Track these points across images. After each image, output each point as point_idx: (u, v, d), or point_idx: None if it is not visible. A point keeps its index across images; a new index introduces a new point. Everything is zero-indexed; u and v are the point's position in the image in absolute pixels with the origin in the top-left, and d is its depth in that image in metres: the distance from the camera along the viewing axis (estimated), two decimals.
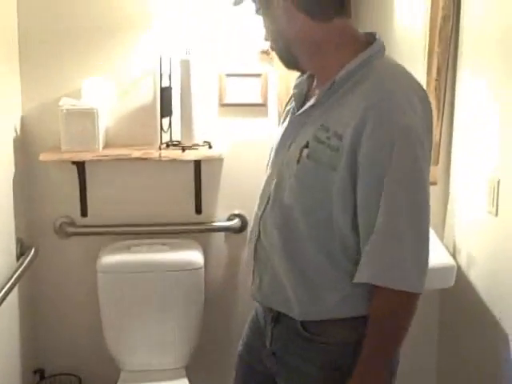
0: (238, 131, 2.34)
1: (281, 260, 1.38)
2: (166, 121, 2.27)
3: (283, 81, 2.27)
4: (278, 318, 1.45)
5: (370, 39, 1.34)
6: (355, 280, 1.29)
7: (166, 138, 2.28)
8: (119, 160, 2.23)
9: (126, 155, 2.21)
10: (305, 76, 1.44)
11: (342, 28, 1.33)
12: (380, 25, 2.45)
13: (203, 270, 2.26)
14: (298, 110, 1.40)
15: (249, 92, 2.28)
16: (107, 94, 2.25)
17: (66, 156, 2.19)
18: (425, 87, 2.30)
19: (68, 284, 2.40)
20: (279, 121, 1.59)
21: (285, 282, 1.39)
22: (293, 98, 1.46)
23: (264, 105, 2.32)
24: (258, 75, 2.29)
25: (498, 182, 1.96)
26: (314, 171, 1.29)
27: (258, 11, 1.39)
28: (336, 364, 1.38)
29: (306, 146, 1.31)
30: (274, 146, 1.46)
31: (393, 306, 1.29)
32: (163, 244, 2.28)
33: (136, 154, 2.22)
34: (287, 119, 1.46)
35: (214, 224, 2.39)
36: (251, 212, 2.42)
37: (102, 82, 2.24)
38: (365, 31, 1.38)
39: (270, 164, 1.46)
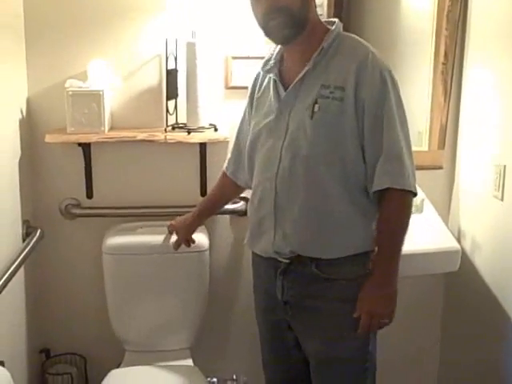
0: None
1: (305, 206, 1.63)
2: (171, 103, 2.27)
3: None
4: (286, 269, 1.69)
5: (329, 23, 1.68)
6: (376, 188, 1.59)
7: (171, 120, 2.27)
8: (125, 142, 2.23)
9: (131, 137, 2.21)
10: (271, 62, 1.72)
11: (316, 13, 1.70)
12: (387, 8, 2.43)
13: (208, 252, 2.27)
14: (284, 88, 1.66)
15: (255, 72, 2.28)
16: (113, 75, 2.24)
17: (72, 138, 2.19)
18: (432, 70, 2.32)
19: (74, 265, 2.41)
20: (249, 106, 1.83)
21: (310, 226, 1.64)
22: (262, 85, 1.76)
23: None
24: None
25: (505, 167, 1.95)
26: (327, 120, 1.59)
27: None
28: (347, 296, 1.64)
29: (316, 103, 1.59)
30: (268, 122, 1.69)
31: (403, 204, 1.61)
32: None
33: (141, 136, 2.21)
34: (271, 99, 1.70)
35: None
36: None
37: (107, 64, 2.23)
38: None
39: (264, 136, 1.70)
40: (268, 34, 1.65)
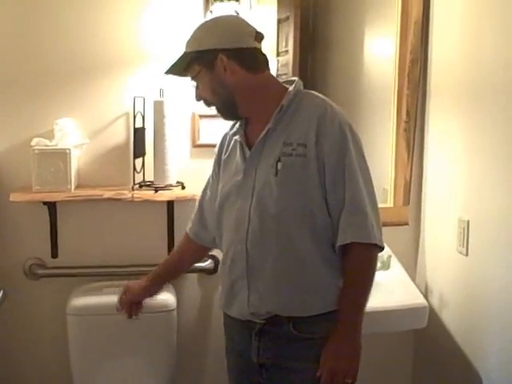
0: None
1: (277, 265, 1.60)
2: (139, 161, 2.27)
3: None
4: (261, 330, 1.64)
5: (290, 82, 1.69)
6: (339, 243, 1.58)
7: (138, 178, 2.27)
8: (91, 200, 2.22)
9: (98, 195, 2.20)
10: (237, 125, 1.74)
11: (270, 77, 1.72)
12: (350, 68, 2.50)
13: (176, 311, 2.24)
14: (249, 148, 1.67)
15: (222, 133, 2.30)
16: (80, 134, 2.25)
17: (38, 196, 2.17)
18: (394, 128, 2.37)
19: (37, 328, 2.35)
20: (216, 167, 1.81)
21: (284, 285, 1.60)
22: (229, 146, 1.76)
23: None
24: None
25: (468, 223, 1.98)
26: (291, 176, 1.59)
27: (194, 78, 1.68)
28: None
29: (279, 161, 1.60)
30: (236, 182, 1.68)
31: (368, 259, 1.61)
32: None
33: (108, 194, 2.20)
34: (237, 160, 1.70)
35: None
36: None
37: (74, 123, 2.23)
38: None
39: (233, 197, 1.69)
40: None
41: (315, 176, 1.58)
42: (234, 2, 2.19)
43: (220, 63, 1.63)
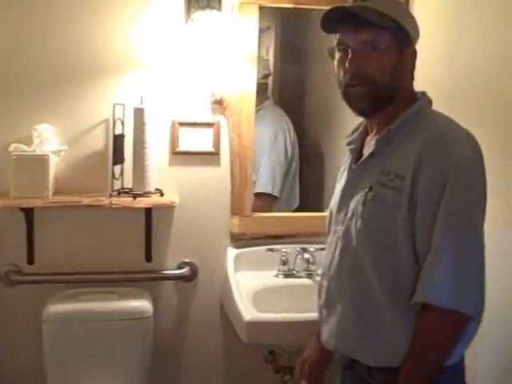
0: (191, 179, 2.35)
1: (349, 306, 1.44)
2: (118, 168, 2.27)
3: (235, 130, 2.31)
4: (347, 365, 1.49)
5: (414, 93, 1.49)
6: (413, 300, 1.33)
7: (117, 185, 2.27)
8: (69, 207, 2.20)
9: (76, 202, 2.19)
10: (357, 133, 1.55)
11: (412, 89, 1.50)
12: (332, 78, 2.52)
13: (152, 318, 2.23)
14: (355, 163, 1.50)
15: (201, 141, 2.31)
16: (58, 140, 2.24)
17: (15, 202, 2.15)
18: None
19: (13, 334, 2.32)
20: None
21: (352, 328, 1.43)
22: (348, 156, 1.58)
23: (216, 153, 2.35)
24: (211, 124, 2.32)
25: None
26: (379, 211, 1.38)
27: (372, 46, 1.39)
28: None
29: (370, 190, 1.40)
30: (336, 203, 1.54)
31: (440, 324, 1.33)
32: (112, 292, 2.24)
33: (86, 201, 2.19)
34: (344, 176, 1.55)
35: (163, 272, 2.37)
36: (201, 260, 2.43)
37: (53, 129, 2.23)
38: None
39: (333, 220, 1.54)
40: (346, 100, 1.46)
41: (405, 217, 1.34)
42: (216, 11, 2.20)
43: (409, 54, 1.44)
